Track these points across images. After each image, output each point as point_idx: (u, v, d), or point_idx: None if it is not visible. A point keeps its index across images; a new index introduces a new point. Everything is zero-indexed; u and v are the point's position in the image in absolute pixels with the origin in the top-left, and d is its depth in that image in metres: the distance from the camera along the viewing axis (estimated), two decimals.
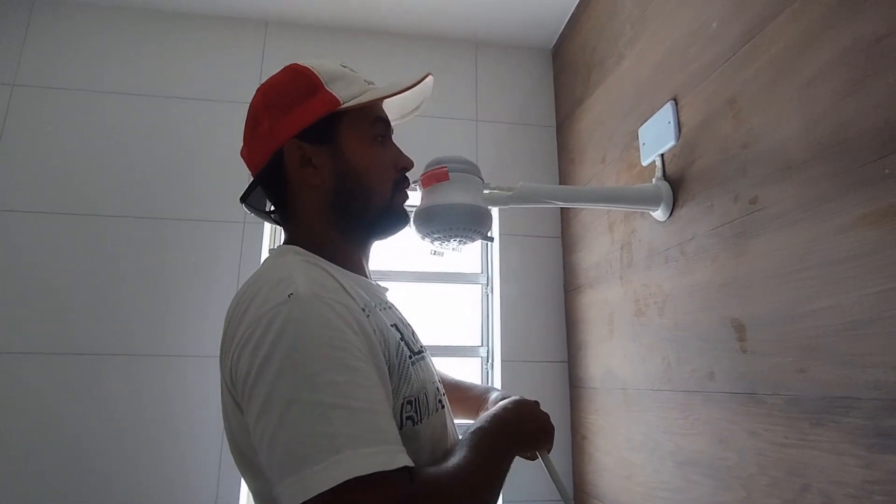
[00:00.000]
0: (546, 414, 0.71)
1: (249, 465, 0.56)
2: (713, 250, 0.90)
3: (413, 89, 0.70)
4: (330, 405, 0.46)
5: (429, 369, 0.65)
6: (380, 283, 0.73)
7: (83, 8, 1.59)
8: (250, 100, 0.68)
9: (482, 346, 1.65)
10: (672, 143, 1.03)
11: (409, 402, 0.57)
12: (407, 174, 0.72)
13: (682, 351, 0.97)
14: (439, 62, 1.74)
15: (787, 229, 0.74)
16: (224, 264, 1.47)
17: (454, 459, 0.55)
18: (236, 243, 1.48)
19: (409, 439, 0.54)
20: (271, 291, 0.53)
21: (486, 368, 1.62)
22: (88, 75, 1.54)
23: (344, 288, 0.56)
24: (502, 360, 1.53)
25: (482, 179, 0.99)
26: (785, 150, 0.75)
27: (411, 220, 0.93)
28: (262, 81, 0.67)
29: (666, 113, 1.06)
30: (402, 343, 0.60)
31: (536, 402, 0.72)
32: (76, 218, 1.44)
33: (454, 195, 0.93)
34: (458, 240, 0.96)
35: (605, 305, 1.31)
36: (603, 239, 1.33)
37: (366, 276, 0.70)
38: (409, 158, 0.72)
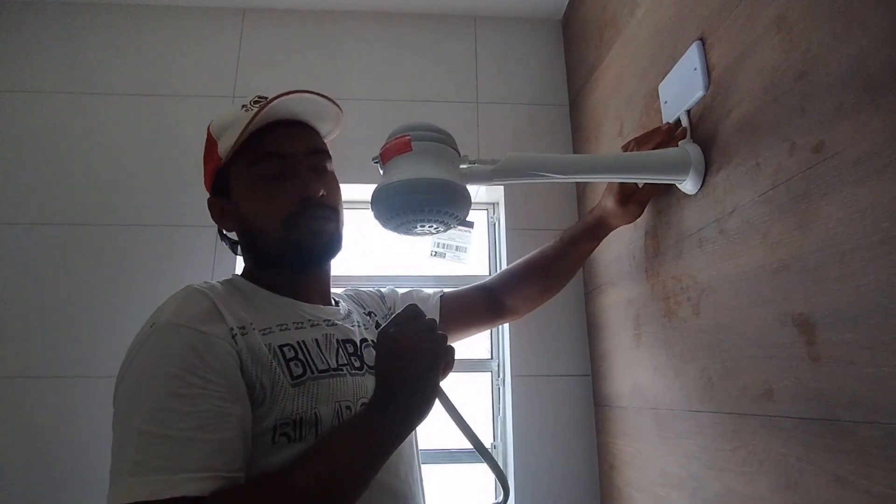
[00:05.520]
0: (428, 331, 0.58)
1: None
2: (763, 223, 0.66)
3: (317, 104, 0.70)
4: (139, 432, 0.50)
5: (337, 388, 0.62)
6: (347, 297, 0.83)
7: (49, 6, 1.49)
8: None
9: (492, 359, 1.43)
10: (700, 93, 0.81)
11: (286, 423, 0.57)
12: (319, 198, 0.69)
13: (727, 361, 0.74)
14: (433, 40, 1.56)
15: (876, 178, 0.50)
16: (198, 272, 1.31)
17: (273, 477, 0.52)
18: (209, 248, 1.32)
19: (283, 453, 0.56)
20: (147, 323, 0.58)
21: (497, 385, 1.40)
22: (47, 76, 1.43)
23: (219, 311, 0.58)
24: (512, 375, 1.31)
25: (458, 152, 0.79)
26: (862, 69, 0.52)
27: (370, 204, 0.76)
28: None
29: (691, 58, 0.83)
30: (285, 364, 0.60)
31: (415, 317, 0.60)
32: (44, 228, 1.32)
33: (419, 169, 0.73)
34: (426, 225, 0.76)
35: (630, 306, 1.07)
36: (624, 227, 1.10)
37: (312, 298, 0.72)
38: (312, 186, 0.68)
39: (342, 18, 1.55)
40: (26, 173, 1.35)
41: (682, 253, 0.86)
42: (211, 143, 0.71)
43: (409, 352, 0.56)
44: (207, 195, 0.75)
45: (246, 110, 0.68)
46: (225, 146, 0.68)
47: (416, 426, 0.57)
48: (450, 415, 0.60)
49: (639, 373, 1.03)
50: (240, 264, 1.31)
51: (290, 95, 0.66)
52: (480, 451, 0.61)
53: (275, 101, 0.65)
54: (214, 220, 0.74)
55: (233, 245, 0.79)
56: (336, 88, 1.47)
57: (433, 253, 1.50)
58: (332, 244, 0.70)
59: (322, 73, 1.50)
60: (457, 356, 0.61)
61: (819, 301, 0.57)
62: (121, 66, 1.46)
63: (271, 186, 0.67)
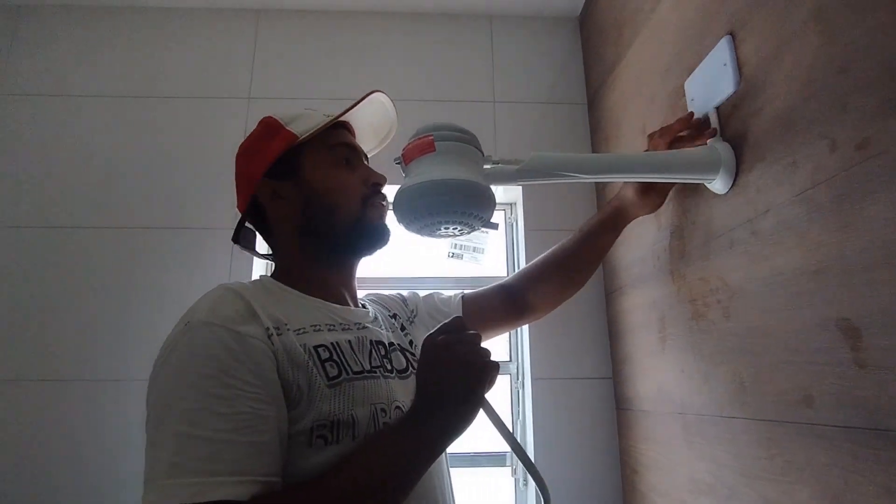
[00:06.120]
0: (474, 344, 0.58)
1: None
2: (800, 224, 0.64)
3: (379, 113, 0.80)
4: (174, 433, 0.49)
5: (372, 391, 0.61)
6: (370, 299, 0.82)
7: (61, 11, 1.49)
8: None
9: (511, 361, 1.42)
10: (730, 90, 0.78)
11: (323, 425, 0.56)
12: (382, 190, 0.74)
13: (761, 365, 0.71)
14: (449, 40, 1.54)
15: None
16: (213, 275, 1.31)
17: (311, 483, 0.52)
18: (226, 252, 1.32)
19: (320, 456, 0.55)
20: (180, 321, 0.57)
21: (516, 388, 1.39)
22: (64, 80, 1.44)
23: (254, 311, 0.57)
24: (532, 378, 1.29)
25: (482, 152, 0.77)
26: None
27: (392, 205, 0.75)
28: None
29: (720, 53, 0.81)
30: (321, 365, 0.58)
31: (462, 327, 0.60)
32: (54, 231, 1.32)
33: (442, 170, 0.72)
34: (450, 227, 0.74)
35: (654, 308, 1.05)
36: (648, 227, 1.08)
37: (342, 300, 0.71)
38: (380, 174, 0.75)
39: (357, 19, 1.54)
40: (47, 176, 1.36)
41: (710, 254, 0.84)
42: (273, 129, 0.72)
43: (458, 362, 0.55)
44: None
45: (308, 110, 0.75)
46: (306, 127, 0.71)
47: (458, 436, 0.55)
48: (494, 425, 0.59)
49: (664, 376, 1.01)
50: (257, 266, 1.32)
51: (376, 94, 0.76)
52: (523, 461, 0.61)
53: (372, 95, 0.75)
54: (263, 203, 0.71)
55: (256, 253, 0.78)
56: (352, 89, 1.47)
57: (451, 254, 1.49)
58: (388, 232, 0.74)
59: (338, 73, 1.49)
60: None
61: (865, 305, 0.55)
62: (136, 69, 1.46)
63: (349, 169, 0.73)
